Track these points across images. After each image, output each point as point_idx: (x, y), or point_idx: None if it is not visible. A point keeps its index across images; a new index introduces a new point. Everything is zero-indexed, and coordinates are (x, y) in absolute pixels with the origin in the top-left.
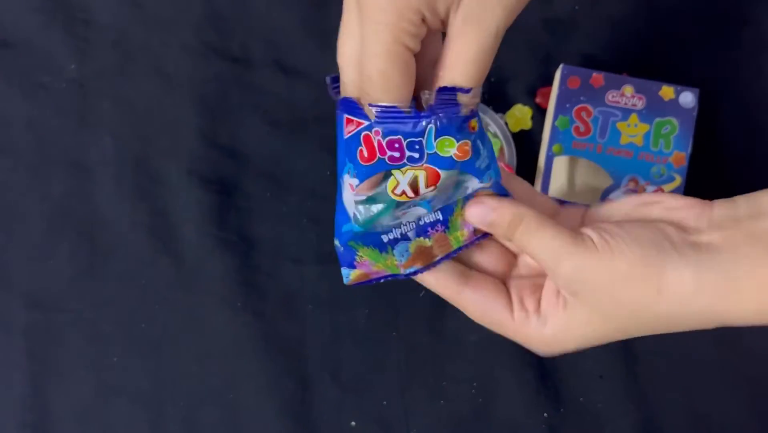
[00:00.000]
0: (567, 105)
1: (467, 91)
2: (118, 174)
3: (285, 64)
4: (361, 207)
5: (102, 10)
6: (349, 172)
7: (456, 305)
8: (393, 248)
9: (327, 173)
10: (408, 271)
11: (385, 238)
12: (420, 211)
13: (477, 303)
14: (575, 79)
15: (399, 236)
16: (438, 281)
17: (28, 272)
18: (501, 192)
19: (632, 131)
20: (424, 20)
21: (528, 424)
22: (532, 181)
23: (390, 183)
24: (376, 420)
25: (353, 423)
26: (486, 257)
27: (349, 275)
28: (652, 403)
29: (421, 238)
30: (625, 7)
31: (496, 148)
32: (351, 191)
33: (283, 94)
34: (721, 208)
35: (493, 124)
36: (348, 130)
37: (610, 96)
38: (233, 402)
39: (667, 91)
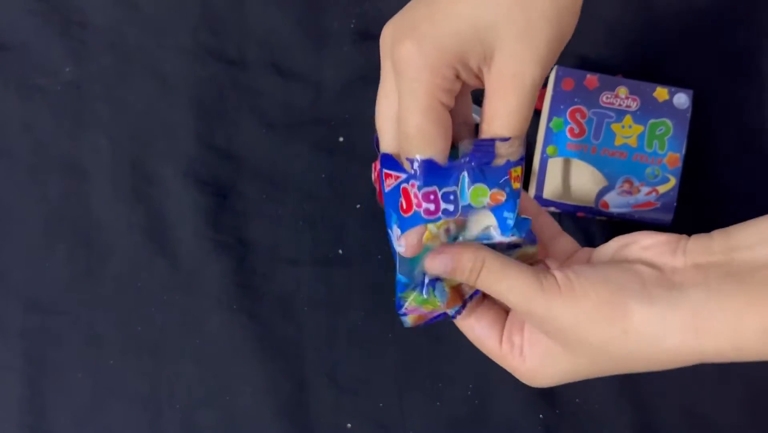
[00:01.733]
0: (561, 106)
1: (505, 139)
2: (115, 176)
3: (281, 66)
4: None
5: (98, 12)
6: (396, 223)
7: (459, 328)
8: (433, 289)
9: (322, 175)
10: (452, 310)
11: (426, 279)
12: None
13: (475, 331)
14: (569, 80)
15: (434, 276)
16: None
17: (25, 274)
18: (530, 239)
19: (626, 132)
20: (458, 76)
21: (524, 425)
22: (527, 183)
23: (426, 236)
24: (373, 422)
25: (349, 425)
26: None
27: (406, 321)
28: (648, 403)
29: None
30: (619, 8)
31: None
32: (396, 242)
33: (279, 96)
34: (695, 242)
35: None
36: (388, 184)
37: (605, 97)
38: (230, 404)
39: (661, 93)
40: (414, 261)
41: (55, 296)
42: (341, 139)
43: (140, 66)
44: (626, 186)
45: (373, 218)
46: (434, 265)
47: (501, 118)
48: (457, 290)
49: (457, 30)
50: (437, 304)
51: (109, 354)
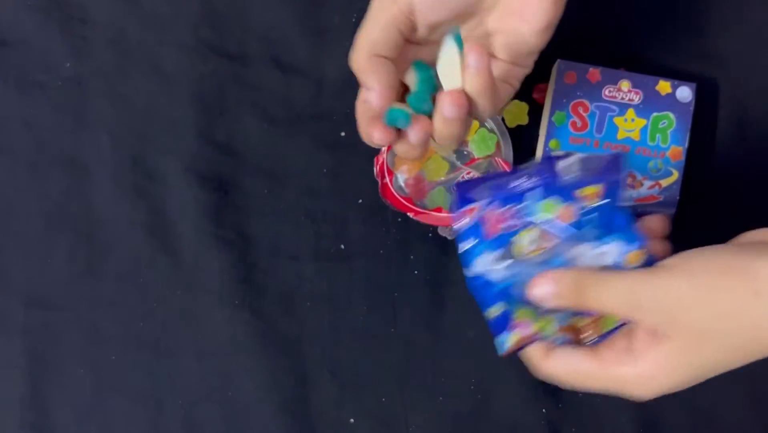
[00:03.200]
0: (564, 100)
1: (563, 157)
2: (116, 172)
3: (281, 61)
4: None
5: (98, 8)
6: (482, 252)
7: (543, 373)
8: (552, 313)
9: (323, 170)
10: (562, 338)
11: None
12: None
13: (562, 363)
14: (572, 74)
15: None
16: (528, 351)
17: (27, 271)
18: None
19: (629, 126)
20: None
21: (527, 420)
22: None
23: (516, 248)
24: (375, 417)
25: (352, 420)
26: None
27: (506, 342)
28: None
29: (578, 317)
30: (622, 2)
31: (492, 144)
32: (489, 265)
33: (279, 91)
34: None
35: (489, 119)
36: (462, 223)
37: (607, 91)
38: (232, 400)
39: (663, 86)
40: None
41: (57, 292)
42: (343, 134)
43: (141, 62)
44: (629, 180)
45: (375, 213)
46: (537, 293)
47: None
48: (573, 329)
49: None
50: (553, 327)
51: (111, 350)
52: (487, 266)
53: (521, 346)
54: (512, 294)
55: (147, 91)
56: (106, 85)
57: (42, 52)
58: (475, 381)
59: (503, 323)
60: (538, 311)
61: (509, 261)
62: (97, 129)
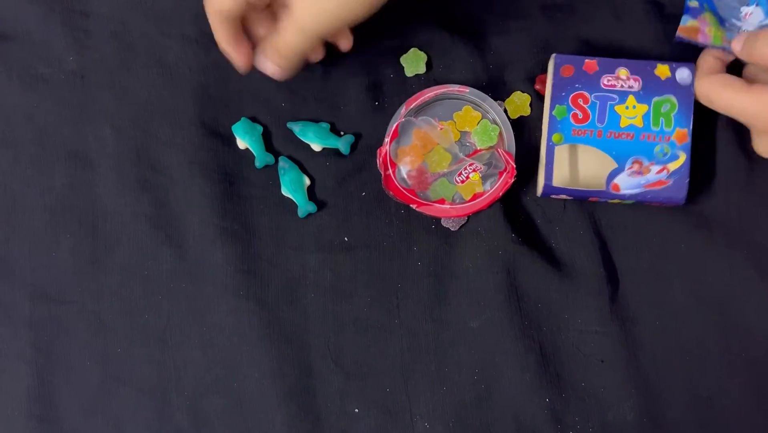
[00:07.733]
0: (563, 93)
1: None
2: (120, 165)
3: None
4: None
5: (100, 1)
6: None
7: (703, 83)
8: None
9: (326, 163)
10: (726, 45)
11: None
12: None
13: (721, 76)
14: (568, 67)
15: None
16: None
17: (32, 264)
18: None
19: (631, 113)
20: None
21: (530, 409)
22: (534, 172)
23: None
24: (379, 407)
25: (356, 410)
26: None
27: (685, 21)
28: (653, 387)
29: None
30: None
31: (494, 135)
32: None
33: (282, 83)
34: None
35: (492, 111)
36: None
37: (606, 80)
38: (237, 390)
39: (662, 70)
40: None
41: (62, 285)
42: (342, 128)
43: (143, 54)
44: (636, 167)
45: (378, 205)
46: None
47: (273, 49)
48: None
49: None
50: (725, 36)
51: (117, 342)
52: None
53: (690, 38)
54: (714, 4)
55: (150, 83)
56: (108, 78)
57: (44, 46)
58: (479, 371)
59: (692, 11)
60: (722, 23)
61: None
62: (100, 122)
